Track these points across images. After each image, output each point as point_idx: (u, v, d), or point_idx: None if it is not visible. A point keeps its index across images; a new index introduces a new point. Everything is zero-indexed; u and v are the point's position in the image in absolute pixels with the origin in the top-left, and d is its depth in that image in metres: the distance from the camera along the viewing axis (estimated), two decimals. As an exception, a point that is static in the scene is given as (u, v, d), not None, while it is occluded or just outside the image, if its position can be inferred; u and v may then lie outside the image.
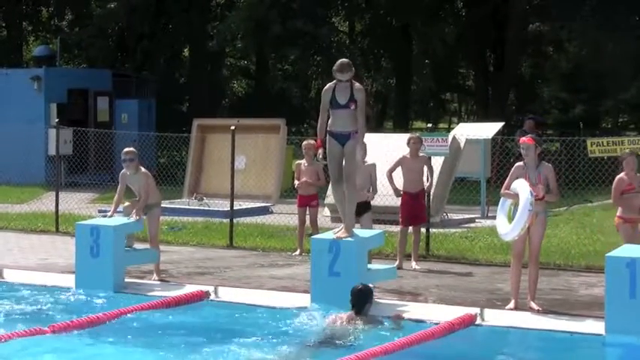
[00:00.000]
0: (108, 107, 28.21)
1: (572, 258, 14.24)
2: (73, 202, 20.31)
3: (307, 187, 15.20)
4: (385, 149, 16.18)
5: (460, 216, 19.10)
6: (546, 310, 10.83)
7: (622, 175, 11.89)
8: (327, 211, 18.17)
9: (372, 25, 35.98)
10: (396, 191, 14.01)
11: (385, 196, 14.67)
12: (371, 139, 14.48)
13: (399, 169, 14.02)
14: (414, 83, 42.16)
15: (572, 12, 28.46)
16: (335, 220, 16.42)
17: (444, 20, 35.47)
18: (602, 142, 15.28)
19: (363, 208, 12.90)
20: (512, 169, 11.08)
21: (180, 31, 35.46)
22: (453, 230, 17.30)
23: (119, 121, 28.22)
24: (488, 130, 20.15)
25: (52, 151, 22.40)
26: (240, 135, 18.27)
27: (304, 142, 15.46)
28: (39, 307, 11.16)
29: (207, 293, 11.68)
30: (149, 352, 9.35)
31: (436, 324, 10.04)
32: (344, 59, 11.21)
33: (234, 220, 16.67)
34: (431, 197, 15.06)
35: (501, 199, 11.09)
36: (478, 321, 10.31)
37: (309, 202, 15.26)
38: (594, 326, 10.05)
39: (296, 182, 15.41)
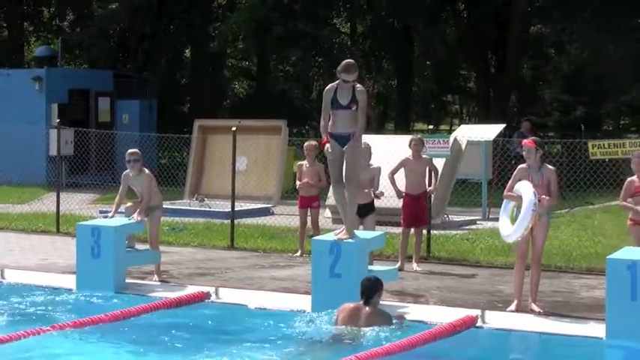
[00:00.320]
0: (109, 108, 28.17)
1: (574, 260, 14.23)
2: (74, 202, 20.30)
3: (308, 188, 15.18)
4: (387, 151, 16.17)
5: (461, 218, 19.09)
6: (547, 313, 10.83)
7: (634, 177, 11.73)
8: (328, 213, 18.15)
9: (373, 26, 35.92)
10: (398, 193, 14.01)
11: (387, 198, 14.65)
12: (373, 141, 14.45)
13: (401, 171, 14.03)
14: (416, 85, 42.15)
15: (574, 14, 28.47)
16: (336, 221, 16.41)
17: (446, 22, 35.41)
18: (604, 145, 15.24)
19: (367, 210, 12.90)
20: (515, 171, 11.06)
21: (181, 32, 35.44)
22: (454, 232, 17.29)
23: (120, 121, 28.22)
24: (489, 131, 20.12)
25: (53, 152, 22.40)
26: (242, 136, 18.28)
27: (305, 144, 15.44)
28: (39, 307, 11.13)
29: (208, 294, 11.68)
30: (149, 352, 9.33)
31: (437, 325, 10.03)
32: (349, 60, 11.13)
33: (235, 221, 16.67)
34: (432, 199, 15.07)
35: (504, 201, 11.08)
36: (479, 323, 10.30)
37: (311, 203, 15.24)
38: (595, 329, 10.04)
39: (297, 183, 15.40)
